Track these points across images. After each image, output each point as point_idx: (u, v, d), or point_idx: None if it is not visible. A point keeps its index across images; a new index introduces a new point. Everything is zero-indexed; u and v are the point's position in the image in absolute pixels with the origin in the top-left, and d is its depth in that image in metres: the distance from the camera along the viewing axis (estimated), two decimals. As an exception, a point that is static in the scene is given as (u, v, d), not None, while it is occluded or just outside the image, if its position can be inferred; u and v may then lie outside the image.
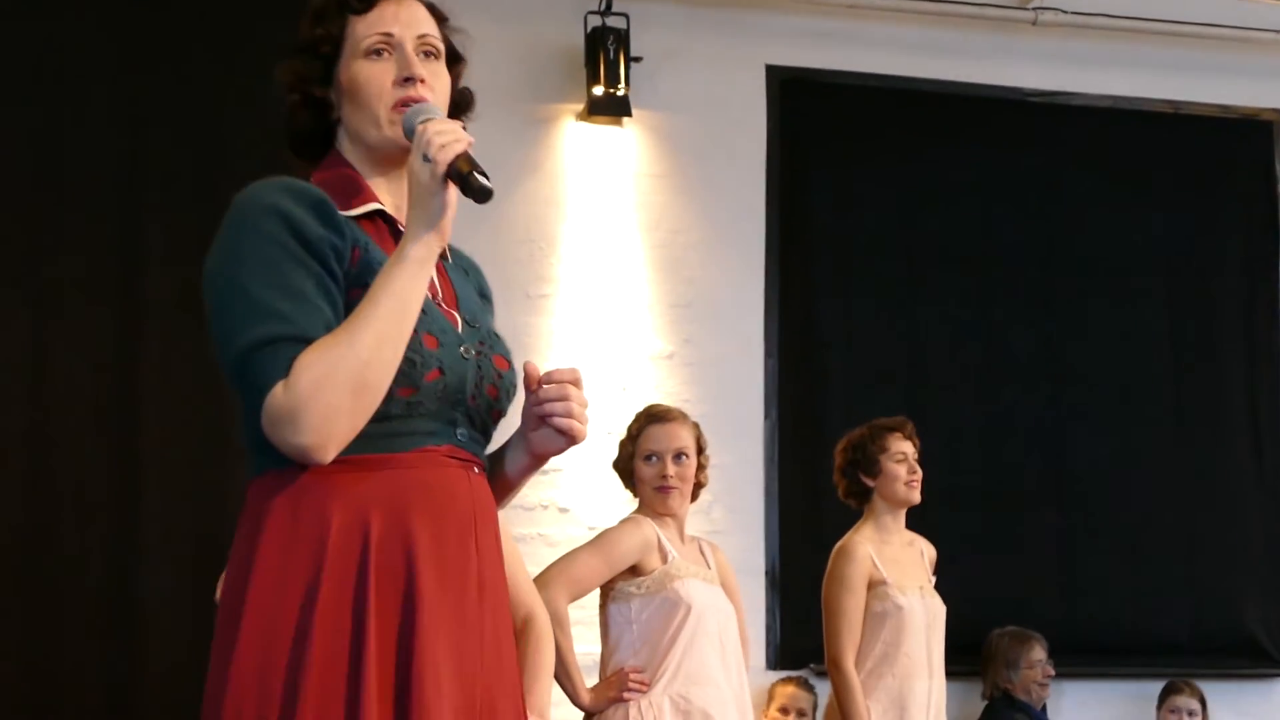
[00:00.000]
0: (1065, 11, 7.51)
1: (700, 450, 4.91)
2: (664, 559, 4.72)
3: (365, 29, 2.45)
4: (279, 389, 2.20)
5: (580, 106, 6.89)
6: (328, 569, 2.22)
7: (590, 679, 4.78)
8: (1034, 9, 7.49)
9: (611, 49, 6.77)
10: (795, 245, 7.24)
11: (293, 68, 2.48)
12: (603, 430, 6.45)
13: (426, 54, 2.48)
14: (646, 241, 7.02)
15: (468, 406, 2.38)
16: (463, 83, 2.59)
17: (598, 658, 4.83)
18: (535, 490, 6.64)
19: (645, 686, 4.63)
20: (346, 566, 2.22)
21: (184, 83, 6.42)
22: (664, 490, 4.80)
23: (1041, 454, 7.42)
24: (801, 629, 6.69)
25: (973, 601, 6.53)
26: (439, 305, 2.41)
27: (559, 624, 4.47)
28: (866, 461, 5.54)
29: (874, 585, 5.43)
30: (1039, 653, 6.87)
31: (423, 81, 2.43)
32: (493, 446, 2.50)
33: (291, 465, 2.25)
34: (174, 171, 6.34)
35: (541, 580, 4.55)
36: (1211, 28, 7.70)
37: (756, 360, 7.08)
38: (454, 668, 2.25)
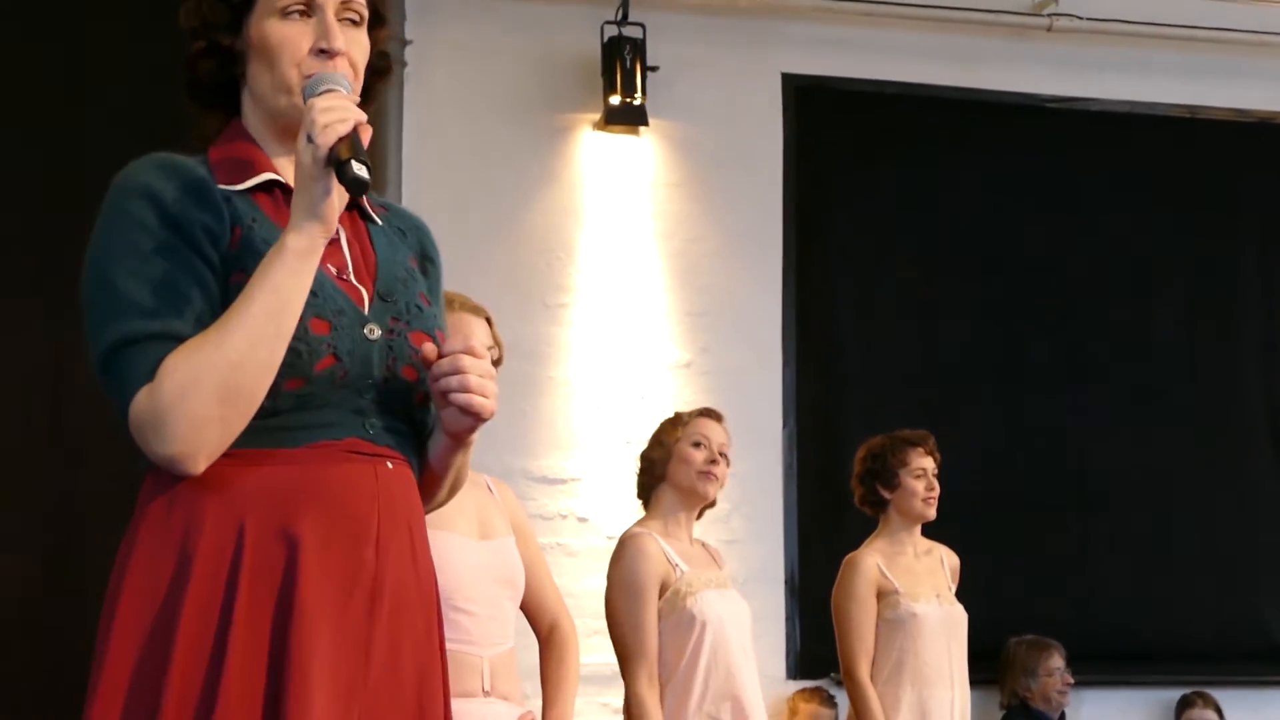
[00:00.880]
0: (1081, 17, 7.49)
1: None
2: (675, 571, 4.69)
3: None
4: (143, 394, 2.04)
5: (597, 116, 6.90)
6: (196, 570, 2.04)
7: (614, 690, 4.76)
8: (1049, 15, 7.47)
9: (628, 58, 6.78)
10: (812, 253, 7.23)
11: (198, 9, 2.26)
12: (620, 439, 6.47)
13: (349, 21, 2.26)
14: (664, 250, 7.02)
15: (379, 391, 2.17)
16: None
17: (617, 669, 4.81)
18: (554, 500, 6.65)
19: None
20: (217, 568, 2.05)
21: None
22: (709, 475, 4.80)
23: (1060, 460, 7.40)
24: (821, 638, 6.64)
25: (990, 608, 6.50)
26: (341, 280, 2.19)
27: (647, 714, 4.50)
28: (885, 473, 5.53)
29: (884, 595, 5.41)
30: (1057, 660, 6.85)
31: (341, 55, 2.22)
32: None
33: None
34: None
35: (626, 675, 4.55)
36: (1227, 32, 7.68)
37: (774, 368, 7.08)
38: (330, 680, 2.05)
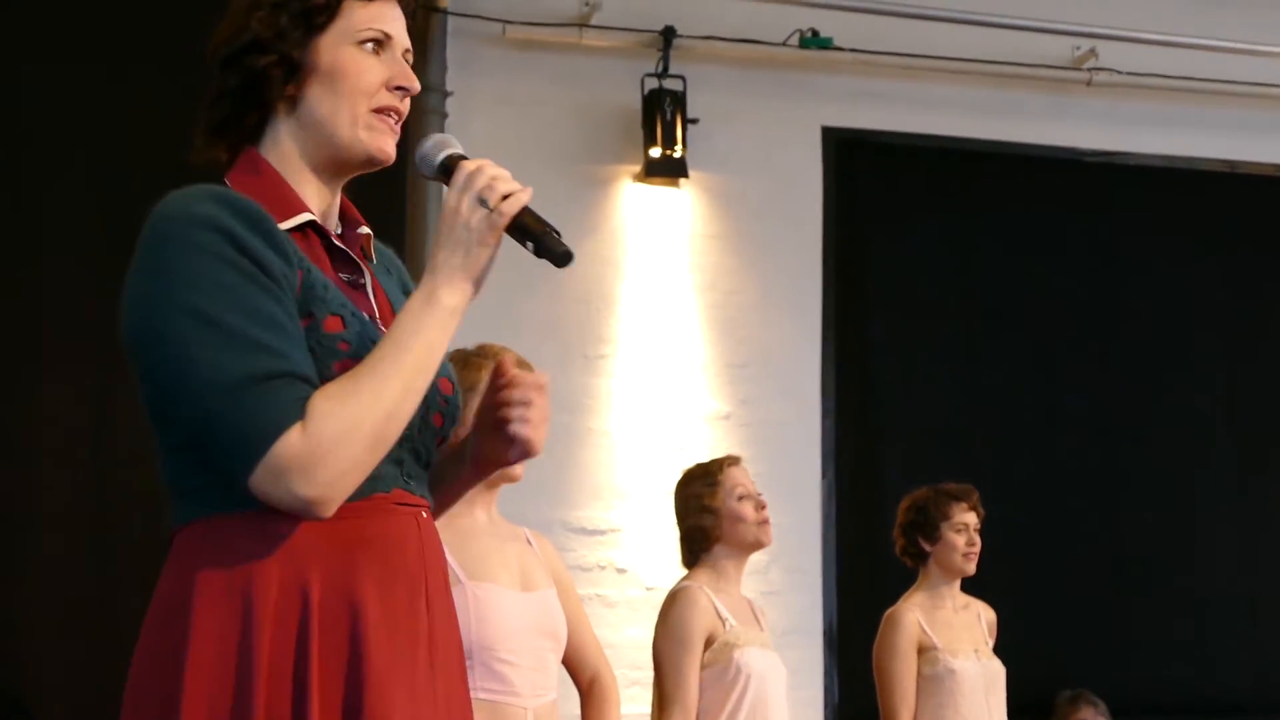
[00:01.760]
0: (1120, 72, 7.51)
1: None
2: (723, 625, 4.70)
3: (366, 17, 2.18)
4: (295, 434, 1.94)
5: (637, 168, 6.93)
6: (265, 634, 1.99)
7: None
8: (1089, 69, 7.50)
9: (668, 111, 6.81)
10: (852, 305, 7.24)
11: (274, 21, 2.15)
12: (660, 491, 6.45)
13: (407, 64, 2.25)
14: (703, 302, 7.03)
15: (414, 441, 2.15)
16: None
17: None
18: (593, 551, 6.65)
19: None
20: (285, 630, 1.99)
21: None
22: (766, 524, 4.82)
23: (1100, 511, 7.39)
24: (860, 690, 6.64)
25: (1029, 661, 6.48)
26: (380, 329, 2.15)
27: None
28: (927, 526, 5.53)
29: (924, 650, 5.40)
30: (1095, 715, 6.82)
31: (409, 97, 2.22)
32: None
33: (222, 513, 2.02)
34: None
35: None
36: (1267, 87, 7.70)
37: (814, 420, 7.08)
38: None
